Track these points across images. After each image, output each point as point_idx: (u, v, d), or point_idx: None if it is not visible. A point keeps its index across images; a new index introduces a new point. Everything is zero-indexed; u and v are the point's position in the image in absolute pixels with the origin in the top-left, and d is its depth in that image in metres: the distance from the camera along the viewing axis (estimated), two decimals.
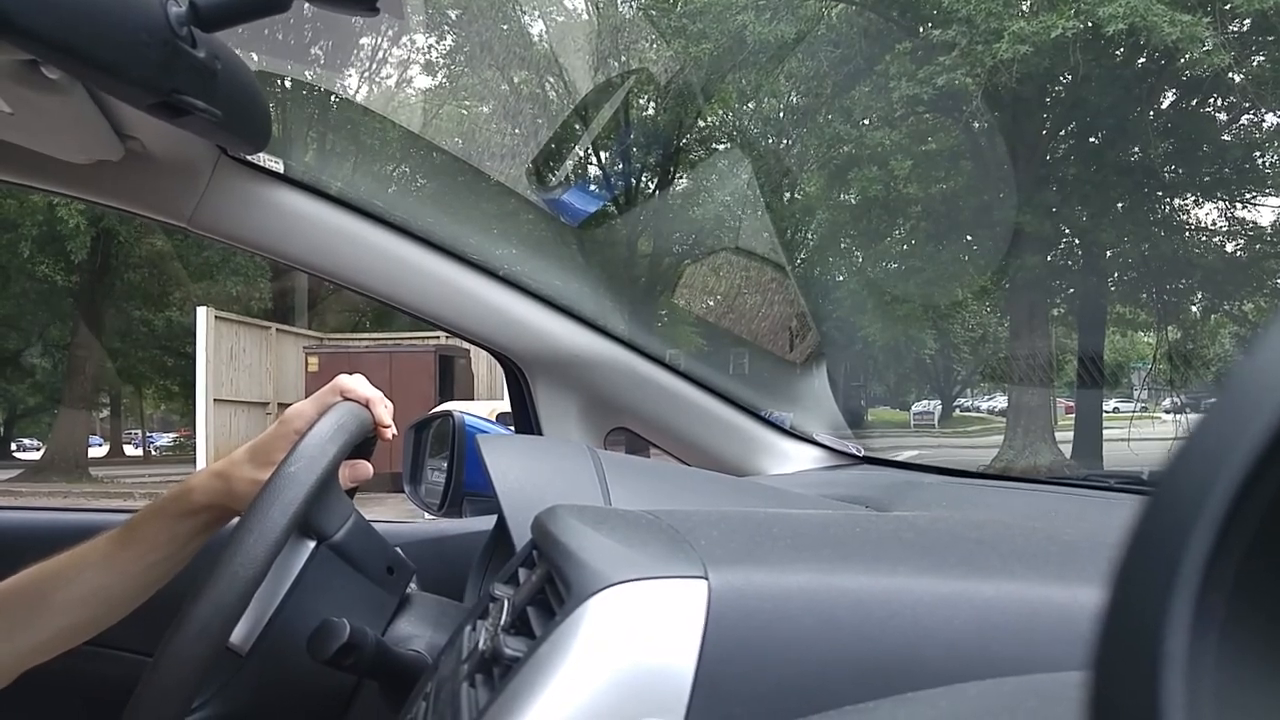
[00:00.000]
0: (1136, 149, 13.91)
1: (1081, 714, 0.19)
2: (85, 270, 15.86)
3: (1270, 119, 14.25)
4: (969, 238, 14.97)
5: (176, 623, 0.70)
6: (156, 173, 1.11)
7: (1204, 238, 15.19)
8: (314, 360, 11.44)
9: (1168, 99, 14.36)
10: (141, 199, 1.17)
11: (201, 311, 12.12)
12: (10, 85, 0.85)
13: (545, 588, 0.51)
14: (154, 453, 26.31)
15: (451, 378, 11.56)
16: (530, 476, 0.85)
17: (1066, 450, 14.58)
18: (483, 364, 12.02)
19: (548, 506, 0.60)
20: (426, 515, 1.35)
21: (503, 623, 0.53)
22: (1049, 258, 14.32)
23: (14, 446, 25.29)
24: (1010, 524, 0.76)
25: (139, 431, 28.52)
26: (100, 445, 26.24)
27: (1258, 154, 14.47)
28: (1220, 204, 14.88)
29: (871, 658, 0.42)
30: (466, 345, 12.61)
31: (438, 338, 13.24)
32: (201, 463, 11.73)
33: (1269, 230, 14.88)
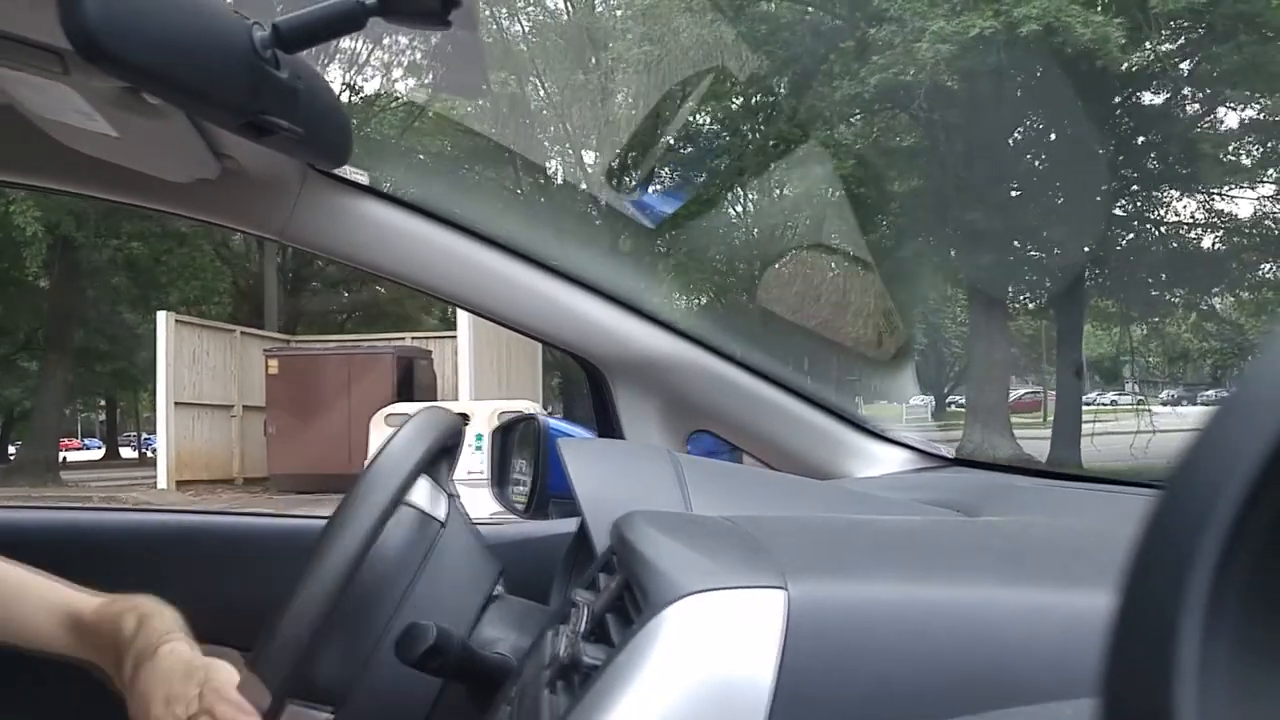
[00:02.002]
0: (1086, 145, 13.87)
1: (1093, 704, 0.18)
2: (53, 275, 15.87)
3: (1226, 114, 14.44)
4: (924, 236, 15.03)
5: (271, 622, 0.73)
6: (250, 189, 1.16)
7: (1155, 231, 15.40)
8: (274, 363, 11.52)
9: (1110, 95, 14.33)
10: (237, 214, 1.22)
11: (161, 316, 12.26)
12: (115, 111, 0.90)
13: (623, 595, 0.51)
14: (149, 454, 26.68)
15: (411, 379, 11.55)
16: (610, 481, 0.85)
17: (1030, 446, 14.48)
18: (447, 366, 11.97)
19: (626, 512, 0.60)
20: (512, 517, 1.37)
21: (582, 630, 0.53)
22: (1003, 255, 14.34)
23: (10, 450, 25.64)
24: (1109, 531, 0.73)
25: (136, 434, 29.17)
26: (98, 448, 27.06)
27: (1207, 147, 14.50)
28: (1173, 198, 15.06)
29: (957, 672, 0.41)
30: (427, 347, 12.57)
31: (404, 339, 13.31)
32: (162, 466, 11.95)
33: (1220, 223, 15.01)
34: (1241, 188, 14.66)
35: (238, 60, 0.62)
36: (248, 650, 1.20)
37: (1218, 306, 16.00)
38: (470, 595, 0.91)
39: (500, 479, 1.41)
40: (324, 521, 0.83)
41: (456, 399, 10.71)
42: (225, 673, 0.77)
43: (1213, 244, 15.32)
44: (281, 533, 1.37)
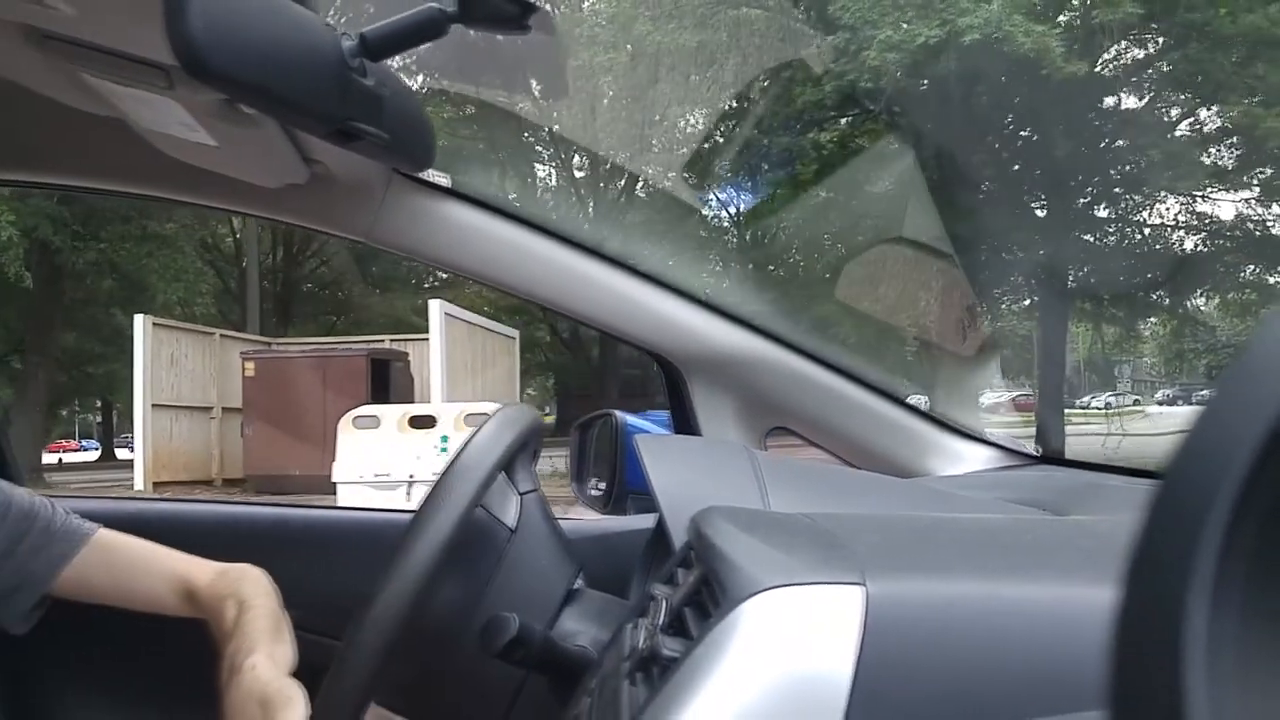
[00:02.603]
0: (1048, 151, 13.95)
1: (1103, 701, 0.18)
2: (36, 279, 15.82)
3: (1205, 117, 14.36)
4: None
5: (359, 614, 0.76)
6: (338, 193, 1.20)
7: (1139, 233, 15.42)
8: (250, 365, 11.61)
9: (1086, 99, 14.23)
10: (326, 217, 1.26)
11: (139, 319, 12.30)
12: (214, 122, 0.94)
13: (701, 590, 0.52)
14: None
15: (386, 381, 11.57)
16: (687, 477, 0.86)
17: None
18: (425, 367, 11.85)
19: (703, 508, 0.60)
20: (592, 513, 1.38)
21: (660, 623, 0.54)
22: (970, 258, 14.21)
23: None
24: None
25: (131, 435, 29.99)
26: (95, 450, 27.78)
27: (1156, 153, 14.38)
28: (1156, 200, 15.09)
29: (1040, 673, 0.40)
30: (404, 350, 12.48)
31: (382, 341, 13.31)
32: (139, 467, 12.03)
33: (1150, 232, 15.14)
34: (1222, 191, 14.81)
35: (328, 70, 0.65)
36: (335, 639, 1.25)
37: (1203, 307, 16.13)
38: (551, 589, 0.92)
39: (579, 475, 1.42)
40: (410, 516, 0.86)
41: (429, 401, 10.80)
42: (292, 711, 0.81)
43: (1196, 246, 15.49)
44: (371, 525, 1.41)
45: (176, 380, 12.56)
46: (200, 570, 1.03)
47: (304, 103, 0.63)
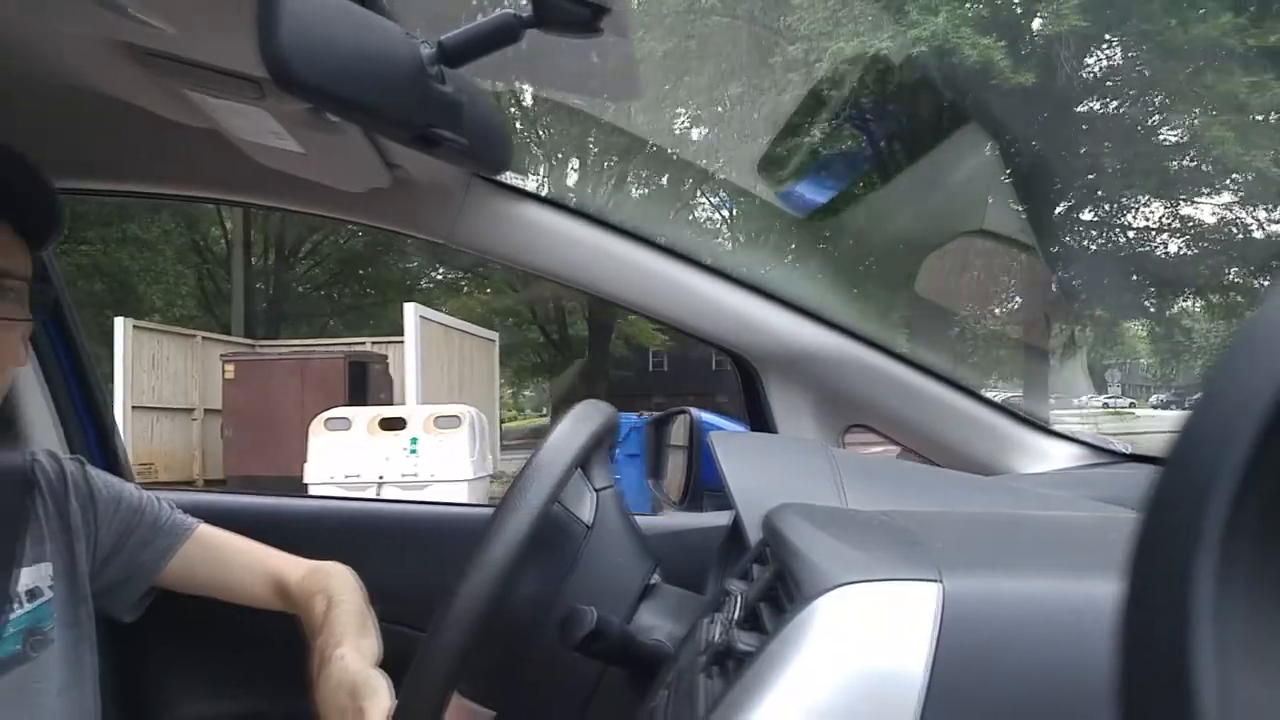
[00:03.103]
0: (1042, 152, 13.84)
1: (1112, 666, 0.18)
2: None
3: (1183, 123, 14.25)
4: (865, 250, 14.95)
5: (442, 606, 0.78)
6: (419, 196, 1.23)
7: (1123, 236, 15.46)
8: (230, 368, 11.65)
9: (1069, 103, 14.34)
10: (407, 220, 1.30)
11: (119, 321, 12.30)
12: (302, 130, 0.98)
13: (776, 585, 0.52)
14: None
15: (365, 383, 11.54)
16: (763, 474, 0.86)
17: None
18: (404, 369, 11.83)
19: (778, 504, 0.60)
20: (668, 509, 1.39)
21: (736, 617, 0.54)
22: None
23: None
24: None
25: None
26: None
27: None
28: (1140, 204, 15.13)
29: None
30: (382, 351, 12.40)
31: (363, 344, 13.25)
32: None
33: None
34: (1204, 194, 14.86)
35: (408, 78, 0.67)
36: (419, 630, 1.28)
37: (1190, 309, 16.25)
38: (628, 584, 0.93)
39: (655, 471, 1.43)
40: (491, 510, 0.88)
41: (422, 402, 10.83)
42: (378, 700, 0.84)
43: (1179, 249, 15.59)
44: (453, 520, 1.44)
45: (157, 382, 12.65)
46: (292, 567, 1.08)
47: (386, 110, 0.65)
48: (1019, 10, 13.64)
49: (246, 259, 17.95)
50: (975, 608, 0.41)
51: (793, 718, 0.40)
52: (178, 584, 1.09)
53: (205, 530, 1.11)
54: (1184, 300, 15.75)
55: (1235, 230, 14.95)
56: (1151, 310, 15.83)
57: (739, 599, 0.57)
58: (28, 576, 0.96)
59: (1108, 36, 13.42)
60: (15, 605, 0.93)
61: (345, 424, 8.97)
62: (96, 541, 1.05)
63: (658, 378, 22.36)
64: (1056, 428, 1.32)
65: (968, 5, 12.94)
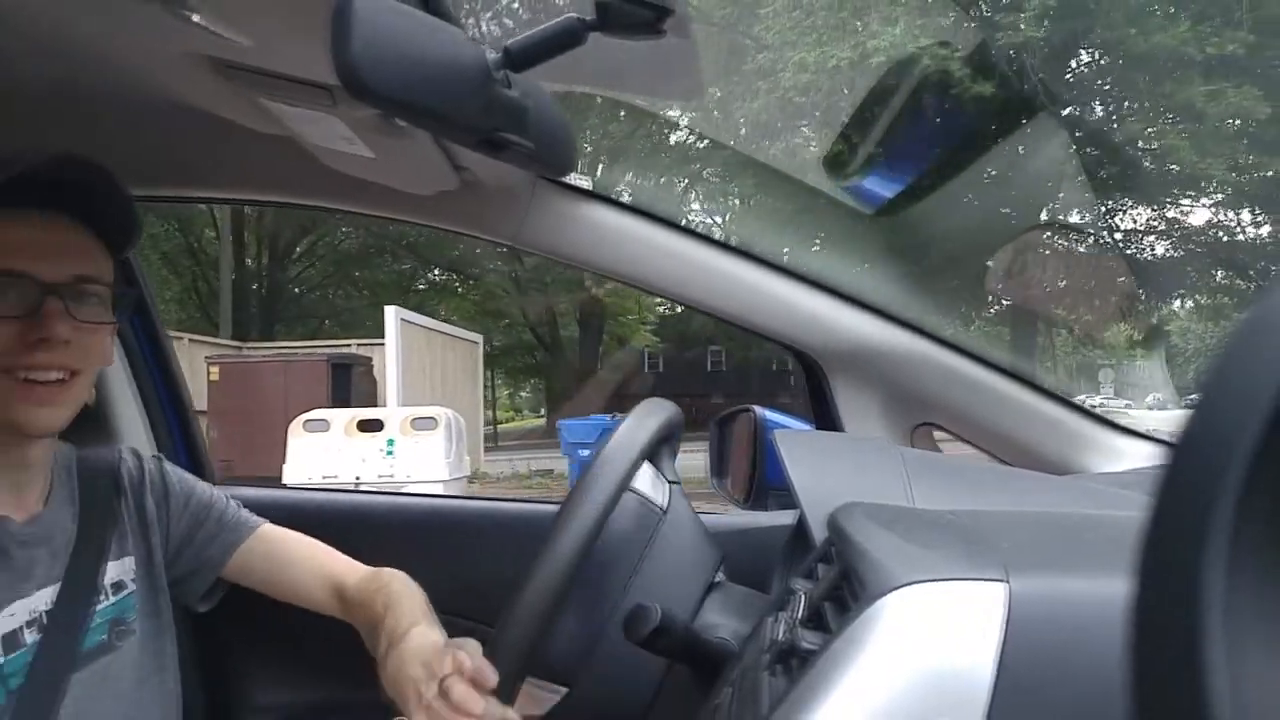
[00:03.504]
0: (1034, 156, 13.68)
1: (1123, 647, 0.18)
2: None
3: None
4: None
5: (512, 599, 0.79)
6: (486, 198, 1.25)
7: (1111, 239, 15.43)
8: (215, 370, 11.69)
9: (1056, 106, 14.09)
10: (475, 222, 1.32)
11: None
12: (372, 135, 1.00)
13: (841, 584, 0.52)
14: None
15: (348, 385, 11.53)
16: (828, 473, 0.85)
17: None
18: (388, 371, 11.79)
19: (843, 503, 0.60)
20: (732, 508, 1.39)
21: (800, 616, 0.54)
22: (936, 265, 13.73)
23: None
24: None
25: None
26: None
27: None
28: (1127, 206, 15.03)
29: None
30: (367, 354, 12.37)
31: (349, 346, 13.19)
32: None
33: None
34: (1189, 197, 14.78)
35: (475, 84, 0.68)
36: (488, 625, 1.31)
37: (1178, 312, 16.12)
38: (693, 581, 0.94)
39: (719, 470, 1.43)
40: (557, 507, 0.89)
41: (404, 404, 10.87)
42: (469, 647, 0.84)
43: (1166, 252, 15.55)
44: (519, 516, 1.47)
45: None
46: (350, 570, 1.11)
47: (454, 116, 0.67)
48: (980, 21, 13.92)
49: (238, 260, 18.09)
50: (1042, 608, 0.41)
51: (856, 717, 0.40)
52: (240, 579, 1.13)
53: (268, 529, 1.15)
54: (1172, 302, 15.86)
55: (1223, 234, 15.05)
56: (1140, 312, 15.75)
57: (803, 598, 0.57)
58: (113, 570, 1.00)
59: (1069, 45, 13.61)
60: (101, 598, 0.98)
61: (324, 425, 9.14)
62: (168, 534, 1.09)
63: (654, 379, 22.36)
64: (1134, 426, 1.28)
65: (925, 19, 13.37)
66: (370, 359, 12.61)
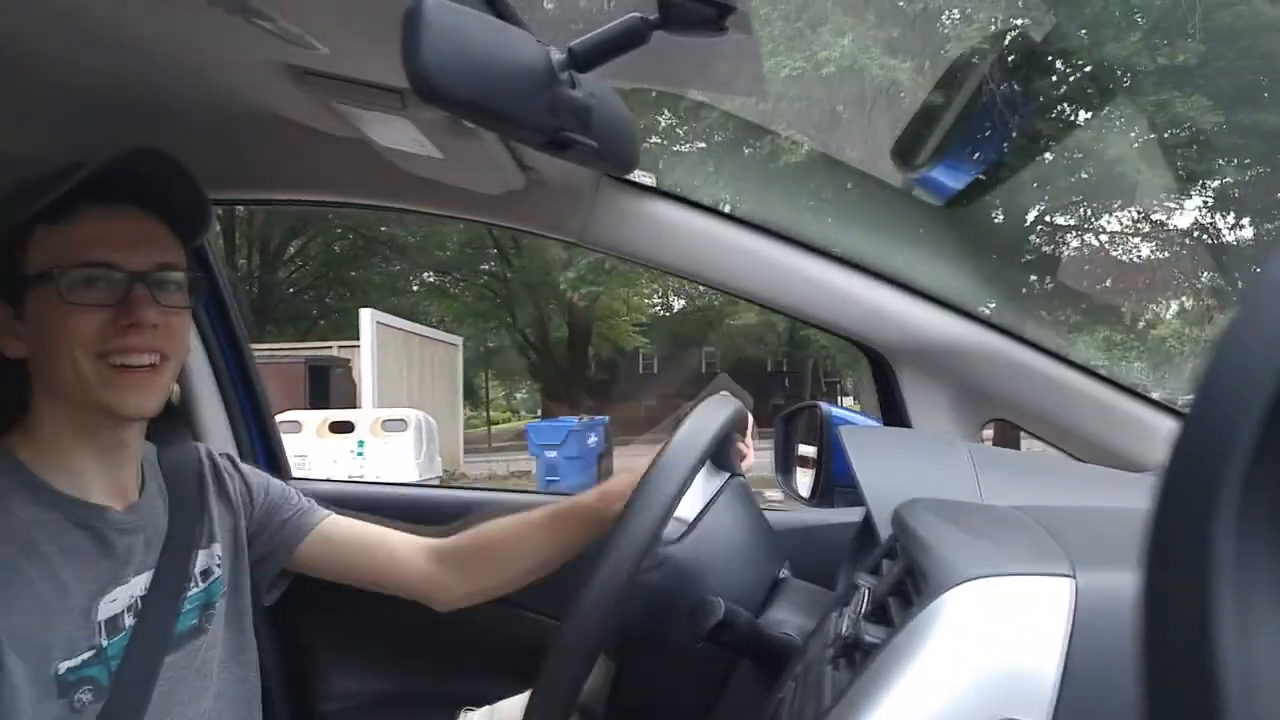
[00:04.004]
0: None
1: (1135, 623, 0.18)
2: None
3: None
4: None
5: (579, 592, 0.80)
6: (552, 197, 1.27)
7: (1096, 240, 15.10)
8: None
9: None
10: (541, 221, 1.34)
11: None
12: (441, 137, 1.03)
13: (905, 579, 0.51)
14: None
15: (326, 387, 11.53)
16: (895, 469, 0.84)
17: None
18: (363, 373, 11.75)
19: (908, 499, 0.60)
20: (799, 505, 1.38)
21: (864, 611, 0.54)
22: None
23: None
24: None
25: None
26: None
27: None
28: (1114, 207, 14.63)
29: None
30: (346, 356, 12.32)
31: (329, 348, 13.15)
32: None
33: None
34: (1173, 199, 14.23)
35: (541, 85, 0.70)
36: (549, 616, 1.32)
37: (1164, 314, 15.61)
38: (758, 578, 0.94)
39: (784, 467, 1.42)
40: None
41: (378, 405, 10.98)
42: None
43: (1152, 253, 15.13)
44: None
45: None
46: (417, 541, 1.17)
47: (520, 117, 0.68)
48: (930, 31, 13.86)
49: (230, 262, 18.12)
50: (1111, 605, 0.40)
51: (917, 711, 0.40)
52: (311, 567, 1.18)
53: (336, 518, 1.20)
54: (1158, 304, 15.47)
55: (1207, 236, 14.61)
56: (1124, 315, 15.32)
57: (867, 592, 0.57)
58: (202, 558, 1.05)
59: (1021, 54, 13.57)
60: (192, 584, 1.03)
61: (296, 426, 9.30)
62: (251, 519, 1.15)
63: (647, 379, 22.25)
64: None
65: (875, 30, 13.38)
66: (349, 361, 12.79)
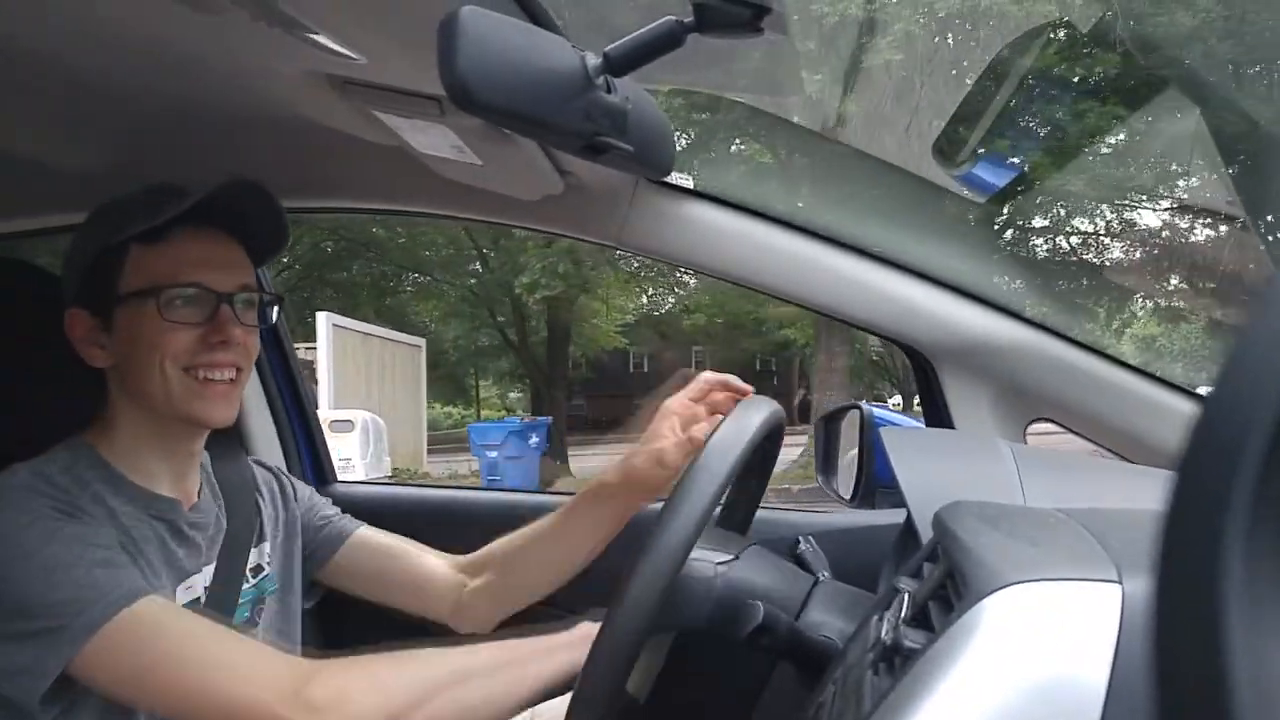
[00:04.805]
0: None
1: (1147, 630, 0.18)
2: None
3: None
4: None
5: (617, 595, 0.80)
6: (589, 201, 1.27)
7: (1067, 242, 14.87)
8: None
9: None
10: (578, 225, 1.34)
11: None
12: (480, 143, 1.04)
13: (946, 583, 0.51)
14: None
15: None
16: (937, 471, 0.83)
17: None
18: (319, 375, 11.61)
19: (950, 501, 0.59)
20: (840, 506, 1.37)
21: (904, 615, 0.54)
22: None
23: None
24: None
25: None
26: None
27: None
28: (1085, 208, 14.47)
29: None
30: (309, 358, 12.03)
31: (299, 350, 12.87)
32: None
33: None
34: (1141, 199, 14.01)
35: (577, 90, 0.70)
36: (579, 615, 1.33)
37: (1138, 314, 15.20)
38: (797, 580, 0.93)
39: (825, 468, 1.42)
40: (658, 505, 0.90)
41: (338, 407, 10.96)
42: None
43: (1123, 254, 14.82)
44: None
45: None
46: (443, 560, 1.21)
47: (557, 123, 0.69)
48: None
49: None
50: None
51: (958, 718, 0.40)
52: (342, 576, 1.22)
53: (367, 529, 1.24)
54: (1133, 304, 15.21)
55: (1174, 236, 14.31)
56: (1100, 317, 15.03)
57: (908, 597, 0.57)
58: (254, 555, 1.11)
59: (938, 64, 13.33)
60: (245, 581, 1.08)
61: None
62: (298, 521, 1.20)
63: (637, 379, 22.13)
64: None
65: None
66: (313, 363, 12.76)
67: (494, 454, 10.96)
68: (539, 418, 12.51)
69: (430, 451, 14.34)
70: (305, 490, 1.24)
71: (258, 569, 1.11)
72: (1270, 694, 0.16)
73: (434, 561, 1.20)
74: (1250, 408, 0.17)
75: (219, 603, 1.02)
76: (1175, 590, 0.19)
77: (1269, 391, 0.17)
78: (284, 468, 1.59)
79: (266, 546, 1.13)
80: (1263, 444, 0.17)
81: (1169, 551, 0.19)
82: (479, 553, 1.19)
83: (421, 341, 15.34)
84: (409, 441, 13.12)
